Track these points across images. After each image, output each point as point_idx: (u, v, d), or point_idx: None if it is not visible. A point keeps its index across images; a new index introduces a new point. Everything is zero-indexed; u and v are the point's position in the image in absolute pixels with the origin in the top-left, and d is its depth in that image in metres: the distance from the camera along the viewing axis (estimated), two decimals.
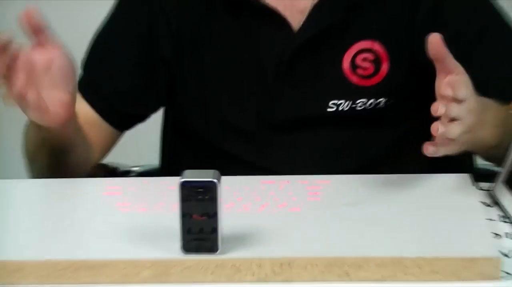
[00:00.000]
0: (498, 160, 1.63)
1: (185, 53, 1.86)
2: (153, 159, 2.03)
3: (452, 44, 1.68)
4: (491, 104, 1.67)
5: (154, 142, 2.04)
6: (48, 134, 1.67)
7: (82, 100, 1.83)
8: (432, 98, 1.74)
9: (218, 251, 1.36)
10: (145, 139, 1.92)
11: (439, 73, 1.53)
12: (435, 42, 1.52)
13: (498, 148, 1.63)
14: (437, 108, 1.49)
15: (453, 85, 1.50)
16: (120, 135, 1.91)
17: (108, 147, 1.92)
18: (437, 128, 1.47)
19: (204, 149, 1.89)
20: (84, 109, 1.82)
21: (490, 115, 1.62)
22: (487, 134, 1.61)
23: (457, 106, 1.50)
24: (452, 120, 1.49)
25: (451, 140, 1.50)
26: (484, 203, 1.56)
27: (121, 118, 1.88)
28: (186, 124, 1.92)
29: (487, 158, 1.75)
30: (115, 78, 1.89)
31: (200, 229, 1.36)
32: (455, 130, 1.49)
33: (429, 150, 1.51)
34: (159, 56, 1.86)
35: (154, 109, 1.94)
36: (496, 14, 1.84)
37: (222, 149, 1.85)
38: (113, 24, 1.92)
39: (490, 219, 1.51)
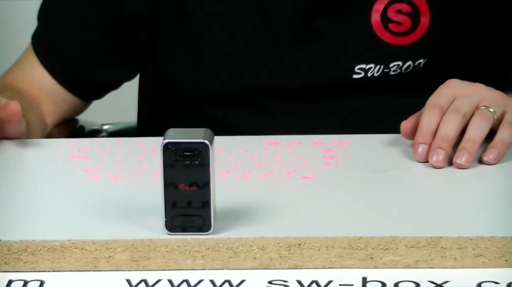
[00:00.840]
0: None
1: (166, 7, 1.87)
2: (130, 116, 2.05)
3: None
4: None
5: (131, 95, 2.04)
6: None
7: (38, 63, 1.87)
8: (484, 56, 1.81)
9: (210, 230, 1.35)
10: (119, 90, 1.96)
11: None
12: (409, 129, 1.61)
13: None
14: None
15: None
16: (86, 105, 1.93)
17: (68, 118, 1.95)
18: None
19: (194, 118, 1.91)
20: (40, 75, 1.87)
21: None
22: None
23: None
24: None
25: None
26: None
27: (86, 87, 1.91)
28: (172, 87, 1.94)
29: None
30: (77, 37, 1.91)
31: (188, 203, 1.34)
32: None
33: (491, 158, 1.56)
34: (129, 12, 1.88)
35: (128, 75, 1.97)
36: None
37: (217, 119, 1.87)
38: None
39: None
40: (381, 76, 1.83)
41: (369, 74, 1.84)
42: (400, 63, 1.84)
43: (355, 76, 1.83)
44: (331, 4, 1.82)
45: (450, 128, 1.56)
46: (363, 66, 1.83)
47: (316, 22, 1.83)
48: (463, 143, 1.55)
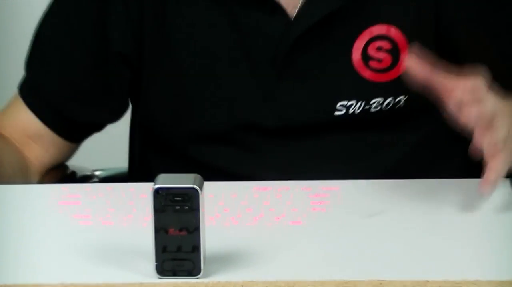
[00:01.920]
0: None
1: (150, 45, 1.85)
2: (120, 162, 2.05)
3: (477, 10, 1.85)
4: None
5: (121, 141, 2.04)
6: None
7: (24, 106, 1.86)
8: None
9: (200, 274, 1.35)
10: (110, 136, 1.94)
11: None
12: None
13: None
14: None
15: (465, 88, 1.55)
16: (75, 149, 1.93)
17: (57, 162, 1.93)
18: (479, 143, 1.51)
19: (180, 160, 1.90)
20: (26, 118, 1.86)
21: None
22: None
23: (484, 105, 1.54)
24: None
25: (499, 148, 1.52)
26: None
27: (72, 128, 1.89)
28: (155, 131, 1.93)
29: None
30: (62, 80, 1.89)
31: (178, 247, 1.35)
32: (498, 131, 1.53)
33: (485, 189, 1.53)
34: (114, 50, 1.86)
35: (112, 116, 1.94)
36: None
37: (202, 160, 1.86)
38: (54, 14, 1.92)
39: None
40: (362, 112, 1.82)
41: (350, 111, 1.83)
42: (381, 99, 1.83)
43: (337, 113, 1.82)
44: (313, 43, 1.81)
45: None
46: (345, 103, 1.82)
47: (298, 61, 1.82)
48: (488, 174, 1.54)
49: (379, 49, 1.81)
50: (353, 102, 1.81)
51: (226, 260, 1.40)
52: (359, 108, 1.81)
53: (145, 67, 1.87)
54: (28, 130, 1.85)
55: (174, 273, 1.36)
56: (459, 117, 1.53)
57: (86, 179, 2.00)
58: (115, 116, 1.93)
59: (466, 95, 1.54)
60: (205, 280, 1.35)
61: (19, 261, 1.45)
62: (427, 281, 1.37)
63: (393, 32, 1.82)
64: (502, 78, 1.76)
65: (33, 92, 1.87)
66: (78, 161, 1.95)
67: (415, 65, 1.57)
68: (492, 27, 1.86)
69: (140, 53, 1.86)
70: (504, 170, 1.54)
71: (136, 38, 1.86)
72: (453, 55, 1.81)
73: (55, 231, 1.53)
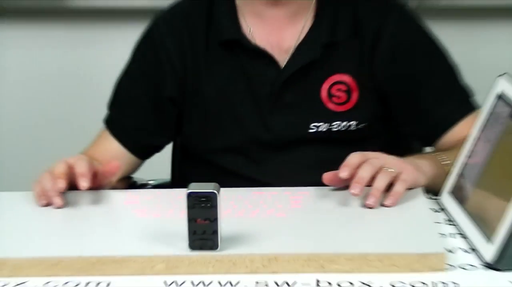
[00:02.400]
0: (435, 189, 1.64)
1: (188, 90, 1.84)
2: (165, 175, 2.02)
3: (406, 75, 1.80)
4: (425, 156, 1.72)
5: (166, 160, 2.01)
6: None
7: (110, 136, 1.85)
8: (398, 122, 1.86)
9: (218, 249, 1.38)
10: (158, 157, 1.95)
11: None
12: (329, 178, 1.60)
13: (432, 185, 1.65)
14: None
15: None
16: (141, 163, 1.90)
17: (130, 174, 1.91)
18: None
19: (207, 167, 1.86)
20: (112, 144, 1.84)
21: (425, 163, 1.66)
22: (425, 178, 1.64)
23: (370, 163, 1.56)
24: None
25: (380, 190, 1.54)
26: (432, 209, 1.59)
27: (143, 149, 1.87)
28: (192, 149, 1.90)
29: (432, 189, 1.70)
30: (134, 117, 1.86)
31: (203, 231, 1.38)
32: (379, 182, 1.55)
33: (389, 203, 1.55)
34: (166, 95, 1.84)
35: (168, 141, 1.93)
36: (439, 50, 1.83)
37: (222, 166, 1.83)
38: (129, 70, 1.89)
39: (437, 222, 1.54)
40: (327, 131, 1.80)
41: (319, 130, 1.80)
42: (339, 123, 1.80)
43: (310, 131, 1.80)
44: (295, 84, 1.79)
45: (366, 174, 1.55)
46: (316, 124, 1.80)
47: (285, 96, 1.80)
48: (372, 191, 1.55)
49: (338, 89, 1.79)
50: (321, 123, 1.79)
51: (235, 239, 1.42)
52: (324, 128, 1.79)
53: (185, 105, 1.86)
54: (114, 154, 1.83)
55: (201, 248, 1.38)
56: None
57: (143, 186, 1.98)
58: (170, 140, 1.94)
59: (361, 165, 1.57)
60: (221, 253, 1.38)
61: (98, 240, 1.48)
62: (367, 253, 1.39)
63: (347, 78, 1.79)
64: (421, 128, 1.82)
65: (116, 126, 1.86)
66: (138, 174, 1.95)
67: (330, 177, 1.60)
68: (416, 86, 1.82)
69: (183, 97, 1.85)
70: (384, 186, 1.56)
71: (181, 89, 1.84)
72: (388, 100, 1.82)
73: (122, 221, 1.57)
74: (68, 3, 2.34)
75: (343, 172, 1.56)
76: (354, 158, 1.57)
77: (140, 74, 1.89)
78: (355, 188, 1.53)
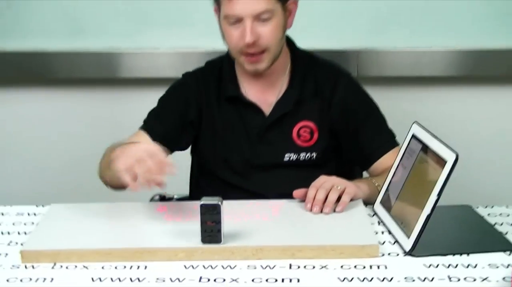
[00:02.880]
0: (369, 202, 1.62)
1: (204, 121, 1.81)
2: (185, 191, 1.94)
3: (349, 120, 1.78)
4: (363, 180, 1.70)
5: (185, 180, 1.93)
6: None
7: (144, 134, 1.77)
8: (344, 153, 1.82)
9: (221, 242, 1.40)
10: (180, 179, 1.75)
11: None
12: (299, 195, 1.59)
13: (368, 199, 1.63)
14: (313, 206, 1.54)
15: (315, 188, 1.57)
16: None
17: None
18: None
19: (213, 179, 1.82)
20: (145, 139, 1.74)
21: (363, 184, 1.65)
22: (363, 193, 1.63)
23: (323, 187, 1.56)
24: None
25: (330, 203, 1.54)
26: (369, 214, 1.59)
27: (165, 147, 1.70)
28: (204, 165, 1.86)
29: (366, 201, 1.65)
30: (166, 128, 1.78)
31: (211, 230, 1.40)
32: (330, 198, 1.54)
33: (338, 210, 1.54)
34: (190, 120, 1.80)
35: (186, 147, 1.85)
36: (372, 104, 1.81)
37: (224, 180, 1.81)
38: (167, 98, 1.83)
39: (372, 223, 1.56)
40: (296, 160, 1.76)
41: (291, 158, 1.76)
42: (304, 154, 1.76)
43: (285, 159, 1.77)
44: (275, 127, 1.76)
45: (321, 196, 1.55)
46: (288, 154, 1.77)
47: (268, 135, 1.77)
48: (326, 203, 1.55)
49: (305, 131, 1.77)
50: (292, 154, 1.77)
51: (234, 236, 1.43)
52: (294, 157, 1.77)
53: (201, 131, 1.82)
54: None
55: (209, 241, 1.40)
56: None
57: (170, 199, 1.88)
58: (188, 146, 1.85)
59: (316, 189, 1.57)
60: (224, 245, 1.40)
61: (137, 237, 1.47)
62: (325, 245, 1.39)
63: (311, 124, 1.77)
64: (359, 156, 1.81)
65: (151, 129, 1.77)
66: (167, 190, 1.74)
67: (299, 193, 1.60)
68: (356, 129, 1.78)
69: (200, 124, 1.81)
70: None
71: (199, 119, 1.80)
72: (339, 138, 1.80)
73: (155, 223, 1.53)
74: (114, 74, 2.27)
75: (308, 203, 1.57)
76: (313, 188, 1.58)
77: (172, 102, 1.83)
78: (315, 208, 1.56)
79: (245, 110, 1.79)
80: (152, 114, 1.84)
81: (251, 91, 1.79)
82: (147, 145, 1.52)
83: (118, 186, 1.59)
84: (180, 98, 1.82)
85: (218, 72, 1.82)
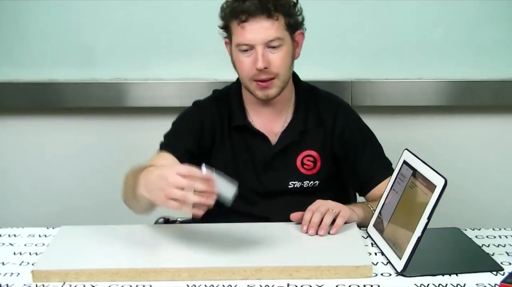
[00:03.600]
0: (363, 225, 1.62)
1: (215, 148, 1.79)
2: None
3: (349, 149, 1.78)
4: (358, 205, 1.70)
5: None
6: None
7: (166, 153, 1.72)
8: (343, 180, 1.83)
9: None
10: None
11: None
12: (296, 217, 1.59)
13: (362, 222, 1.63)
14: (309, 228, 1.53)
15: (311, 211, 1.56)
16: None
17: None
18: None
19: (220, 206, 1.69)
20: (168, 157, 1.71)
21: (358, 208, 1.65)
22: (357, 217, 1.63)
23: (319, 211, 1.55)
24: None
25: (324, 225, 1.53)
26: (363, 236, 1.59)
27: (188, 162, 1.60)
28: None
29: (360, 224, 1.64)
30: (187, 146, 1.74)
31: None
32: (325, 220, 1.54)
33: (333, 232, 1.53)
34: (204, 145, 1.78)
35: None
36: (370, 134, 1.83)
37: (229, 207, 1.64)
38: (182, 120, 1.80)
39: (366, 245, 1.56)
40: (300, 187, 1.76)
41: (295, 185, 1.76)
42: (308, 181, 1.77)
43: (289, 186, 1.77)
44: (281, 156, 1.76)
45: (316, 219, 1.55)
46: (293, 182, 1.77)
47: (274, 163, 1.77)
48: (322, 225, 1.55)
49: (308, 160, 1.77)
50: (296, 182, 1.77)
51: (235, 256, 1.42)
52: (298, 185, 1.77)
53: (212, 154, 1.78)
54: (170, 162, 1.68)
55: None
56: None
57: (173, 221, 1.88)
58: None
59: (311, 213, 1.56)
60: (225, 266, 1.38)
61: (145, 256, 1.47)
62: (320, 265, 1.38)
63: (314, 153, 1.78)
64: (357, 183, 1.81)
65: (171, 148, 1.72)
66: (172, 213, 1.71)
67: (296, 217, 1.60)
68: (355, 157, 1.78)
69: (212, 148, 1.77)
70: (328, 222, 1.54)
71: (212, 144, 1.78)
72: (339, 167, 1.81)
73: (159, 244, 1.52)
74: (121, 103, 2.28)
75: (304, 225, 1.56)
76: (309, 211, 1.58)
77: (190, 124, 1.79)
78: (310, 231, 1.56)
79: (252, 138, 1.79)
80: (170, 135, 1.80)
81: (258, 120, 1.80)
82: (181, 167, 1.42)
83: (146, 209, 1.58)
84: (196, 122, 1.80)
85: (227, 101, 1.82)
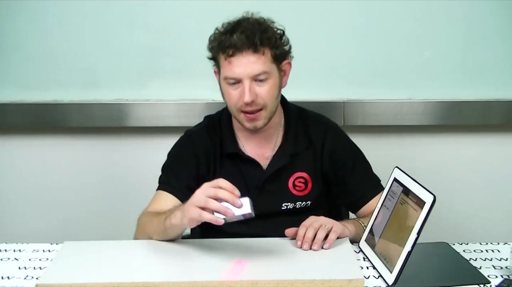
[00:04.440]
0: (355, 241, 1.61)
1: (210, 175, 1.75)
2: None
3: (339, 169, 1.78)
4: (349, 221, 1.69)
5: None
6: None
7: (166, 194, 1.72)
8: (335, 198, 1.82)
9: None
10: None
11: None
12: (290, 233, 1.58)
13: (354, 237, 1.62)
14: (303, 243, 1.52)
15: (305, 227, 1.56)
16: None
17: None
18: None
19: (216, 228, 1.64)
20: (168, 198, 1.70)
21: (350, 224, 1.64)
22: (349, 232, 1.61)
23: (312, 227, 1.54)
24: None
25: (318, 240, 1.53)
26: (355, 251, 1.57)
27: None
28: None
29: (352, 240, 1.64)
30: (185, 183, 1.71)
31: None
32: (319, 235, 1.53)
33: (326, 247, 1.53)
34: (201, 175, 1.75)
35: None
36: (359, 153, 1.81)
37: (225, 230, 1.62)
38: (177, 154, 1.78)
39: (358, 259, 1.55)
40: (292, 208, 1.76)
41: (288, 207, 1.76)
42: (300, 202, 1.76)
43: (282, 208, 1.76)
44: (272, 179, 1.74)
45: (310, 235, 1.55)
46: (286, 203, 1.76)
47: (266, 186, 1.75)
48: (315, 241, 1.54)
49: (300, 182, 1.77)
50: (289, 203, 1.77)
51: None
52: (291, 206, 1.77)
53: (208, 178, 1.65)
54: (172, 203, 1.67)
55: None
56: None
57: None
58: None
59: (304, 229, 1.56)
60: (224, 280, 1.36)
61: (141, 270, 1.45)
62: (314, 279, 1.37)
63: (305, 175, 1.77)
64: (348, 201, 1.80)
65: (170, 187, 1.71)
66: None
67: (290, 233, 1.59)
68: (344, 177, 1.77)
69: (207, 177, 1.71)
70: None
71: (208, 172, 1.75)
72: (330, 187, 1.80)
73: (159, 261, 1.51)
74: (123, 123, 2.30)
75: (298, 240, 1.56)
76: (302, 227, 1.58)
77: (185, 157, 1.77)
78: (304, 246, 1.55)
79: (244, 164, 1.77)
80: (168, 172, 1.78)
81: (249, 146, 1.78)
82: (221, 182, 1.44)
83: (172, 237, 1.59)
84: (191, 155, 1.77)
85: (219, 129, 1.80)
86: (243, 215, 1.43)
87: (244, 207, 1.43)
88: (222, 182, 1.44)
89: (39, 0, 2.23)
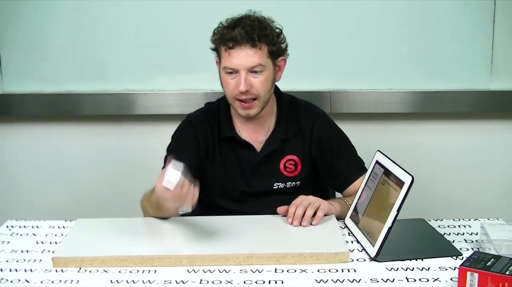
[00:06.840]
0: (341, 217, 1.61)
1: (209, 157, 1.75)
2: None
3: (326, 154, 1.76)
4: (335, 200, 1.69)
5: None
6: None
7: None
8: (322, 180, 1.79)
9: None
10: None
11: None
12: (282, 211, 1.58)
13: (340, 215, 1.61)
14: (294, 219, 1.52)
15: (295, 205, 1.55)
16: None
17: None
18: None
19: (214, 205, 1.76)
20: None
21: (336, 203, 1.64)
22: (335, 210, 1.61)
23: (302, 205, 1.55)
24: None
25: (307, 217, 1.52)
26: (341, 227, 1.58)
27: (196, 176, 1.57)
28: (208, 193, 1.75)
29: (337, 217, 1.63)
30: (186, 163, 1.52)
31: None
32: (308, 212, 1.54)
33: (315, 223, 1.52)
34: (201, 155, 1.74)
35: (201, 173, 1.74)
36: (345, 138, 1.79)
37: (223, 206, 1.75)
38: (180, 136, 1.77)
39: (343, 234, 1.55)
40: (283, 187, 1.74)
41: (279, 187, 1.74)
42: (290, 183, 1.74)
43: (274, 187, 1.74)
44: (265, 161, 1.73)
45: (300, 212, 1.54)
46: (277, 183, 1.74)
47: (260, 168, 1.74)
48: (304, 217, 1.54)
49: (290, 164, 1.75)
50: (280, 183, 1.75)
51: (229, 245, 1.42)
52: (282, 186, 1.75)
53: (206, 165, 1.74)
54: None
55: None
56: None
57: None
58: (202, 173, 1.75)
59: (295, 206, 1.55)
60: (220, 253, 1.38)
61: (149, 244, 1.45)
62: (304, 252, 1.37)
63: (295, 157, 1.75)
64: (334, 182, 1.79)
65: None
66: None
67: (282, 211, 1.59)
68: (331, 160, 1.75)
69: (206, 158, 1.73)
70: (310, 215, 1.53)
71: (207, 154, 1.74)
72: (317, 168, 1.78)
73: (163, 236, 1.51)
74: (130, 111, 2.27)
75: (289, 217, 1.56)
76: (293, 205, 1.58)
77: (187, 139, 1.75)
78: (295, 222, 1.55)
79: (239, 147, 1.76)
80: (171, 150, 1.75)
81: (244, 131, 1.77)
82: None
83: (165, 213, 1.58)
84: (192, 137, 1.76)
85: (217, 115, 1.79)
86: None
87: (170, 175, 1.37)
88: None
89: (55, 0, 2.22)
